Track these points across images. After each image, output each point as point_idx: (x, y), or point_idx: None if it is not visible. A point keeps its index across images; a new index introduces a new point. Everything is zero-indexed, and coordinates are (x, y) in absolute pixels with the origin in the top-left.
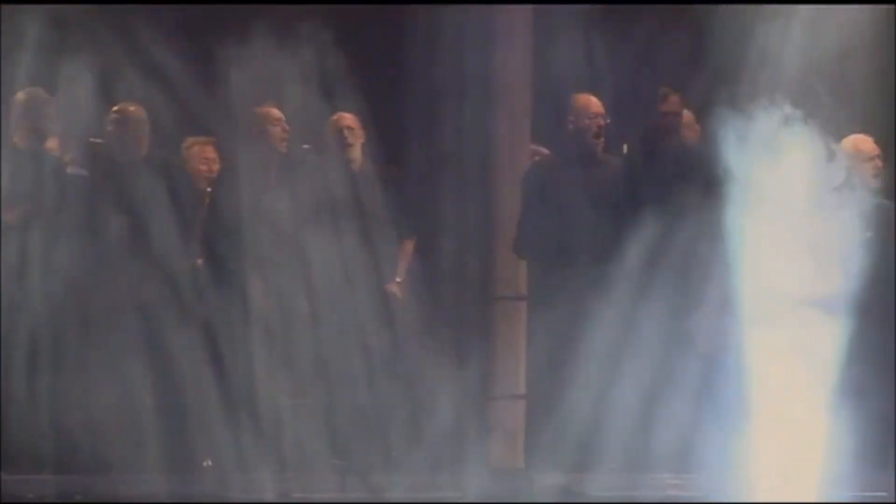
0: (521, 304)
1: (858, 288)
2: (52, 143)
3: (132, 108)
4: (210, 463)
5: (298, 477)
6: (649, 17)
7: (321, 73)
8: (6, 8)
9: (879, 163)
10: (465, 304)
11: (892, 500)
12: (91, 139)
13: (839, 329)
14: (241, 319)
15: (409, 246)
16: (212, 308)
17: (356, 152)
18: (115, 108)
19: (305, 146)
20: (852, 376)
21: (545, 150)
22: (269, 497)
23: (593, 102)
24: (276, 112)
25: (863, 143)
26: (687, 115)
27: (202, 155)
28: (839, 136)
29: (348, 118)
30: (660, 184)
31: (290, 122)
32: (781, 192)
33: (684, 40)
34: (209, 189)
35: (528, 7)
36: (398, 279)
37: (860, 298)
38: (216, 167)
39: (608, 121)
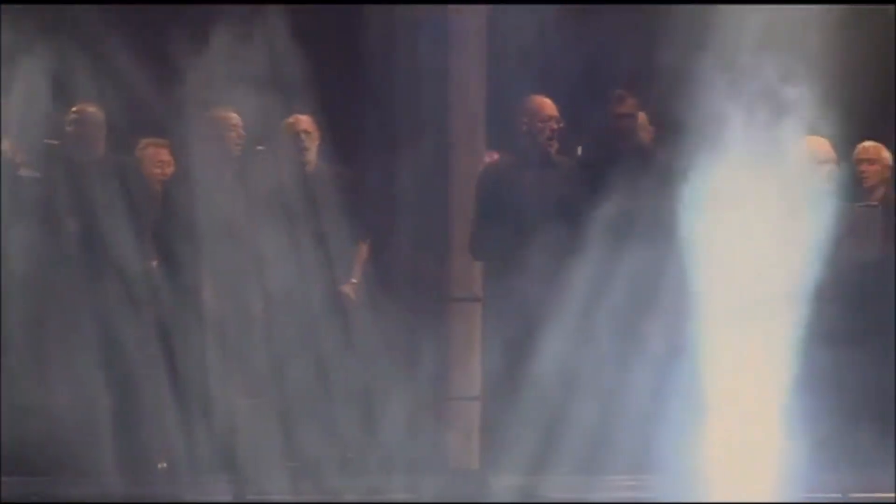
0: (476, 305)
1: (814, 289)
2: (5, 145)
3: (91, 109)
4: (165, 465)
5: (253, 479)
6: (606, 17)
7: (277, 74)
8: None
9: (834, 166)
10: (421, 305)
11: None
12: (46, 140)
13: (796, 330)
14: (195, 321)
15: (364, 247)
16: (166, 309)
17: (312, 155)
18: (74, 108)
19: (260, 147)
20: (809, 376)
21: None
22: (224, 499)
23: (547, 105)
24: (232, 117)
25: (818, 145)
26: (641, 116)
27: (157, 157)
28: (798, 136)
29: (304, 121)
30: (615, 186)
31: (245, 122)
32: (737, 193)
33: (641, 40)
34: (163, 191)
35: (484, 7)
36: (353, 280)
37: (817, 300)
38: (170, 170)
39: (562, 123)
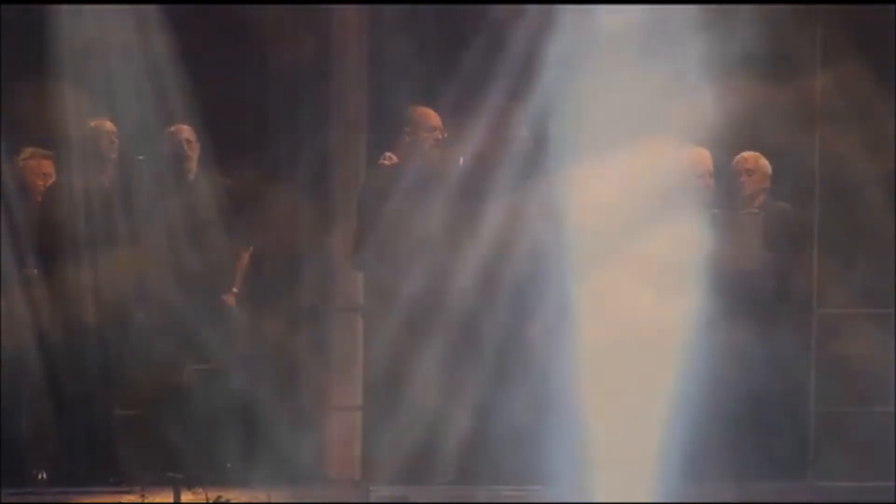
0: (358, 314)
1: (697, 296)
2: None
3: None
4: (44, 475)
5: (133, 490)
6: (484, 28)
7: (158, 84)
8: None
9: (710, 180)
10: (302, 314)
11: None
12: None
13: (679, 338)
14: (75, 329)
15: (246, 256)
16: (45, 317)
17: (192, 164)
18: None
19: (140, 157)
20: (693, 385)
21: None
22: None
23: (432, 115)
24: (106, 124)
25: (698, 157)
26: (522, 126)
27: (39, 169)
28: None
29: (186, 130)
30: (495, 196)
31: (125, 133)
32: (621, 203)
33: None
34: (43, 200)
35: (365, 13)
36: (235, 289)
37: (702, 307)
38: (52, 182)
39: (446, 134)
